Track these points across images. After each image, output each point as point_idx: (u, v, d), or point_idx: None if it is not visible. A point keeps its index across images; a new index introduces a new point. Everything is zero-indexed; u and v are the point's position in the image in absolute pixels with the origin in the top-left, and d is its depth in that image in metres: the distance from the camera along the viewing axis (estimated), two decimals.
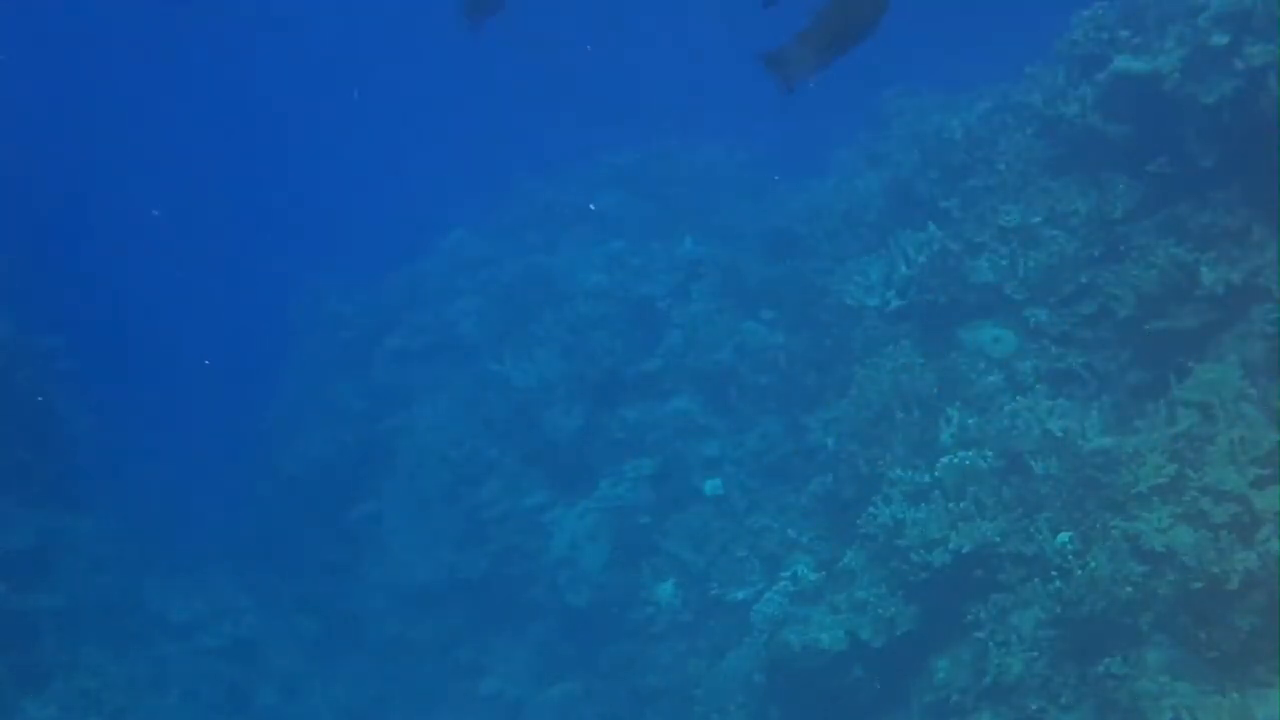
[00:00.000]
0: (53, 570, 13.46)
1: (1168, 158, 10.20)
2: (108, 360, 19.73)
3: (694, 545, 12.66)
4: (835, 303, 12.34)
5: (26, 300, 15.39)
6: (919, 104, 13.37)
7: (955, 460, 9.91)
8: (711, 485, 13.09)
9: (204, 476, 18.50)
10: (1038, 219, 10.94)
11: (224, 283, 26.87)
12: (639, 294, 15.08)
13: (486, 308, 16.81)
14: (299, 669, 14.78)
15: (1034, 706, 8.82)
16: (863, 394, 10.97)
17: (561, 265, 16.32)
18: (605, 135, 20.09)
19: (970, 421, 10.29)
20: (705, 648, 12.05)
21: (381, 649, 14.69)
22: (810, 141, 16.98)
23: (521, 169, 19.67)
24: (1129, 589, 8.67)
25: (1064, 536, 9.20)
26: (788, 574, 11.23)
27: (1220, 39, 9.64)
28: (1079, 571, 8.85)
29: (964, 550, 9.45)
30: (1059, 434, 9.79)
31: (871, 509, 10.03)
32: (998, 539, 9.39)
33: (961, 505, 9.64)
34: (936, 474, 9.91)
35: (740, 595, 11.85)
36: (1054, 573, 9.02)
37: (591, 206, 16.53)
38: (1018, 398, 10.26)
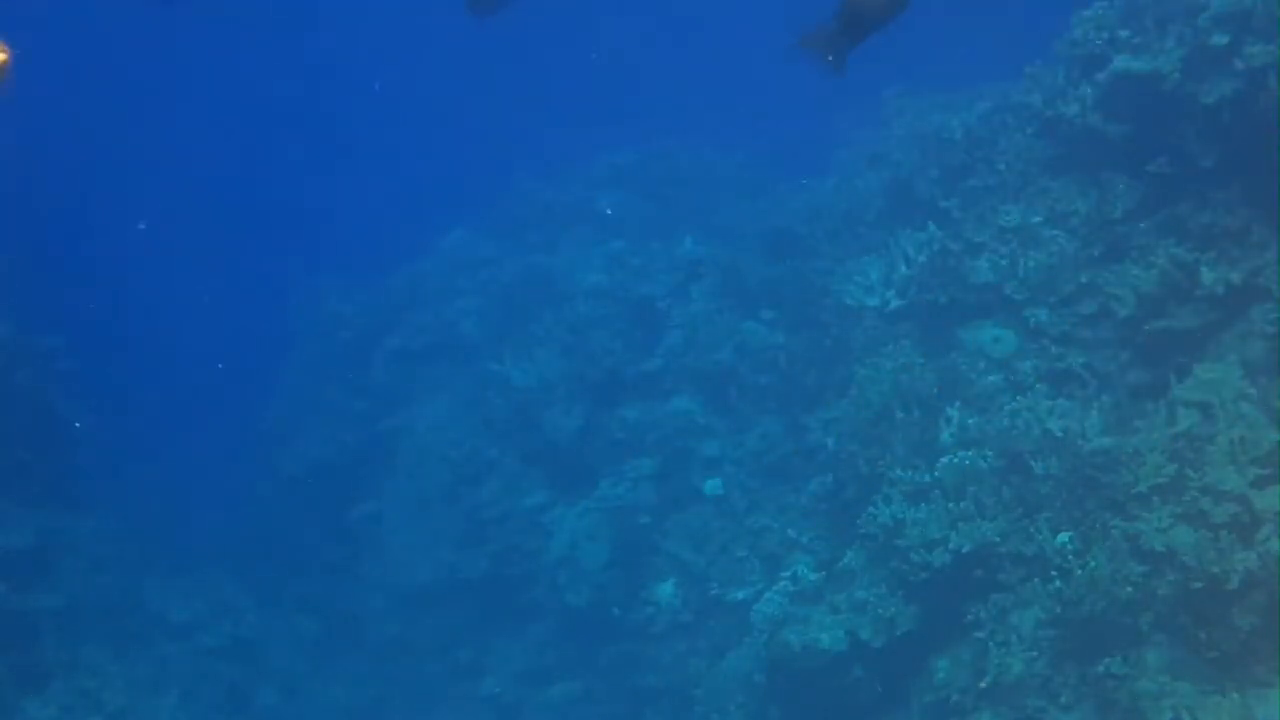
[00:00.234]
0: (53, 570, 13.45)
1: (1168, 158, 10.20)
2: (108, 360, 19.73)
3: (694, 545, 12.66)
4: (835, 303, 12.33)
5: (26, 300, 15.39)
6: (919, 104, 13.36)
7: (955, 460, 9.91)
8: (711, 485, 13.09)
9: (204, 476, 18.50)
10: (1038, 219, 10.95)
11: (224, 282, 26.87)
12: (639, 294, 15.08)
13: (486, 308, 16.82)
14: (299, 669, 14.78)
15: (1034, 706, 8.83)
16: (863, 394, 10.96)
17: (561, 265, 16.32)
18: (605, 135, 20.10)
19: (970, 421, 10.29)
20: (705, 648, 12.06)
21: (381, 649, 14.69)
22: (810, 141, 16.99)
23: (521, 169, 19.68)
24: (1129, 589, 8.67)
25: (1064, 536, 9.20)
26: (788, 574, 11.24)
27: (1220, 39, 9.64)
28: (1079, 571, 8.86)
29: (964, 550, 9.45)
30: (1059, 434, 9.79)
31: (871, 509, 10.03)
32: (998, 539, 9.39)
33: (961, 505, 9.64)
34: (936, 474, 9.91)
35: (740, 595, 11.86)
36: (1054, 573, 9.02)
37: (608, 211, 16.51)
38: (1018, 398, 10.26)
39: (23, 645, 12.58)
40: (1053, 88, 11.31)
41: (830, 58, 5.26)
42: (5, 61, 3.41)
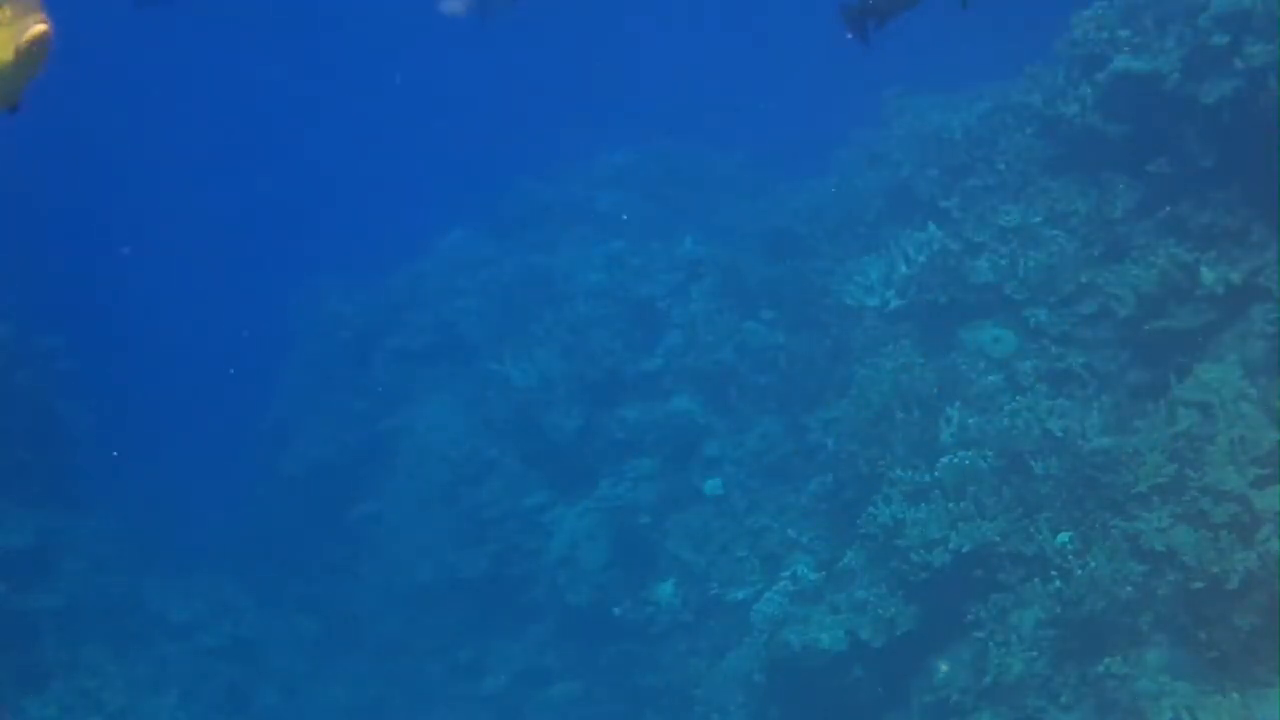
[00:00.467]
0: (53, 570, 13.45)
1: (1168, 158, 10.20)
2: (108, 360, 19.73)
3: (694, 545, 12.66)
4: (835, 303, 12.34)
5: (26, 300, 15.40)
6: (919, 104, 13.36)
7: (955, 460, 9.91)
8: (711, 485, 13.09)
9: (204, 476, 18.51)
10: (1038, 219, 10.95)
11: (224, 282, 26.87)
12: (639, 294, 15.08)
13: (486, 308, 16.81)
14: (299, 669, 14.78)
15: (1034, 706, 8.83)
16: (863, 394, 10.96)
17: (561, 265, 16.31)
18: (605, 135, 20.10)
19: (970, 421, 10.28)
20: (705, 647, 12.06)
21: (381, 649, 14.69)
22: (810, 141, 16.98)
23: (521, 169, 19.67)
24: (1129, 589, 8.68)
25: (1064, 536, 9.20)
26: (788, 574, 11.23)
27: (1220, 39, 9.64)
28: (1079, 571, 8.86)
29: (964, 550, 9.45)
30: (1059, 434, 9.79)
31: (871, 509, 10.03)
32: (998, 539, 9.39)
33: (961, 505, 9.64)
34: (936, 474, 9.91)
35: (740, 595, 11.85)
36: (1054, 573, 9.02)
37: (624, 217, 16.48)
38: (1018, 398, 10.26)
39: (23, 645, 12.58)
40: (1053, 88, 11.31)
41: (850, 35, 5.41)
42: (46, 33, 3.31)
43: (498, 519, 14.27)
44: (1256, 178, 9.58)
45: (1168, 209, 10.20)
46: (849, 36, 5.58)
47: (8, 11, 3.28)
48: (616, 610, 12.85)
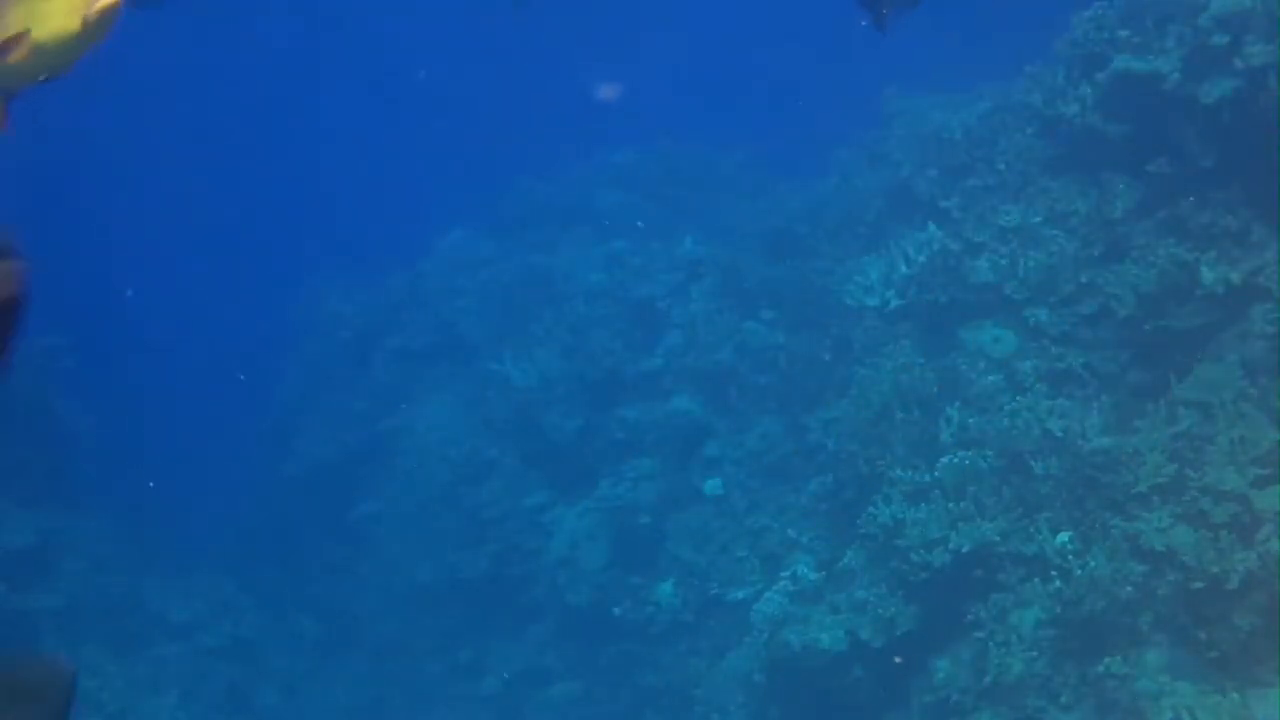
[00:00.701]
0: (53, 570, 13.45)
1: (1168, 158, 10.20)
2: (108, 360, 19.72)
3: (694, 545, 12.66)
4: (835, 303, 12.33)
5: (26, 300, 15.36)
6: (919, 104, 13.36)
7: (955, 460, 9.91)
8: (711, 485, 13.09)
9: (204, 476, 18.50)
10: (1038, 219, 10.94)
11: (225, 282, 26.87)
12: (639, 294, 15.07)
13: (486, 308, 16.80)
14: (299, 669, 14.78)
15: (1034, 706, 8.83)
16: (863, 394, 10.96)
17: (561, 265, 16.31)
18: (606, 135, 20.10)
19: (970, 421, 10.28)
20: (705, 647, 12.06)
21: (381, 649, 14.69)
22: (810, 141, 16.98)
23: (522, 168, 19.67)
24: (1129, 589, 8.68)
25: (1064, 536, 9.20)
26: (788, 574, 11.23)
27: (1220, 39, 9.64)
28: (1079, 571, 8.86)
29: (964, 550, 9.45)
30: (1059, 434, 9.79)
31: (871, 509, 10.02)
32: (998, 539, 9.39)
33: (961, 505, 9.64)
34: (936, 474, 9.91)
35: (740, 595, 11.85)
36: (1054, 573, 9.02)
37: (640, 224, 16.45)
38: (1018, 397, 10.26)
39: (23, 645, 12.58)
40: (1053, 88, 11.30)
41: (878, 16, 5.45)
42: (117, 4, 3.32)
43: (498, 519, 14.27)
44: (1256, 178, 9.58)
45: (1167, 209, 10.20)
46: (864, 24, 5.59)
47: None
48: (616, 610, 12.85)
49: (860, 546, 10.24)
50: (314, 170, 30.95)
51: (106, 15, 3.33)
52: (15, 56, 3.36)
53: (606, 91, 25.15)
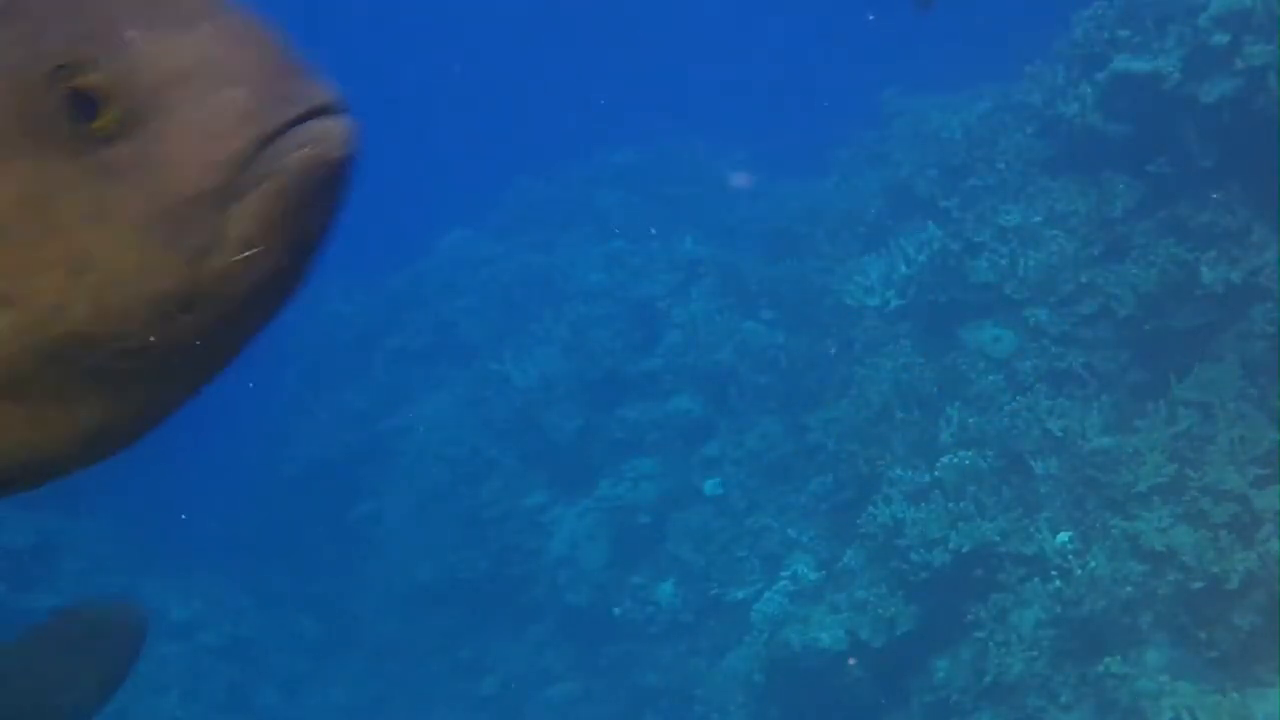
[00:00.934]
0: (53, 570, 13.46)
1: (1168, 158, 10.20)
2: None
3: (694, 545, 12.66)
4: (835, 303, 12.34)
5: None
6: (919, 104, 13.37)
7: (955, 460, 9.92)
8: (711, 485, 13.09)
9: (204, 476, 18.51)
10: (1038, 219, 10.95)
11: None
12: (639, 293, 15.08)
13: (486, 307, 16.82)
14: (299, 669, 14.78)
15: (1034, 706, 8.83)
16: (863, 394, 10.97)
17: (561, 264, 16.32)
18: (606, 135, 20.11)
19: (970, 421, 10.29)
20: (705, 647, 12.06)
21: (381, 649, 14.70)
22: (810, 141, 16.99)
23: (521, 168, 19.69)
24: (1129, 589, 8.68)
25: (1064, 536, 9.21)
26: (787, 574, 11.24)
27: (1220, 39, 9.64)
28: (1079, 571, 8.86)
29: (964, 550, 9.45)
30: (1059, 434, 9.80)
31: (871, 509, 10.03)
32: (998, 539, 9.39)
33: (961, 505, 9.64)
34: (936, 474, 9.92)
35: (740, 595, 11.86)
36: (1054, 572, 9.03)
37: (652, 231, 16.44)
38: (1018, 397, 10.26)
39: None
40: (1053, 88, 11.31)
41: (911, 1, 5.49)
42: None
43: (498, 519, 14.27)
44: (1256, 178, 9.59)
45: (1168, 209, 10.21)
46: (920, 6, 5.59)
47: None
48: (616, 610, 12.85)
49: (860, 546, 10.25)
50: None
51: None
52: None
53: (607, 92, 25.16)
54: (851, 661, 9.64)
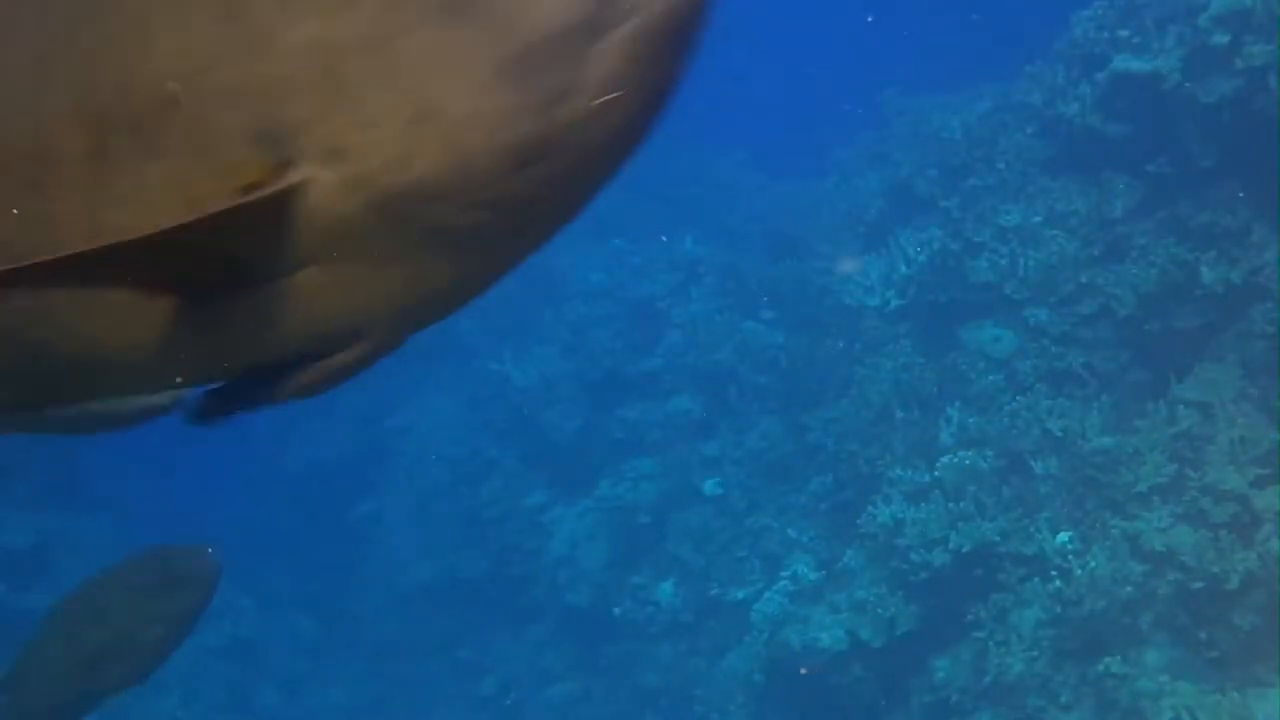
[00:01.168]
0: (53, 570, 13.45)
1: (1168, 158, 10.21)
2: None
3: (694, 545, 12.66)
4: (835, 303, 12.34)
5: None
6: (919, 104, 13.37)
7: (955, 460, 9.92)
8: (711, 485, 13.09)
9: (204, 476, 18.50)
10: (1038, 218, 10.95)
11: None
12: (639, 293, 15.09)
13: (486, 307, 16.77)
14: (299, 669, 14.78)
15: (1034, 706, 8.84)
16: (863, 394, 10.97)
17: (561, 264, 16.32)
18: None
19: (970, 421, 10.30)
20: (705, 647, 12.06)
21: (381, 649, 14.69)
22: (810, 141, 17.00)
23: None
24: (1129, 589, 8.68)
25: (1064, 536, 9.21)
26: (787, 574, 11.24)
27: (1220, 39, 9.64)
28: (1079, 571, 8.87)
29: (964, 550, 9.45)
30: (1059, 433, 9.80)
31: (871, 509, 10.04)
32: (998, 539, 9.39)
33: (961, 505, 9.65)
34: (936, 474, 9.92)
35: (740, 595, 11.86)
36: (1054, 572, 9.03)
37: (654, 232, 16.39)
38: (1018, 397, 10.27)
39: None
40: (1053, 88, 11.32)
41: None
42: None
43: (498, 519, 14.27)
44: (1256, 178, 9.59)
45: (1167, 209, 10.21)
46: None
47: None
48: (616, 610, 12.85)
49: (860, 546, 10.25)
50: None
51: None
52: None
53: None
54: (803, 671, 9.66)
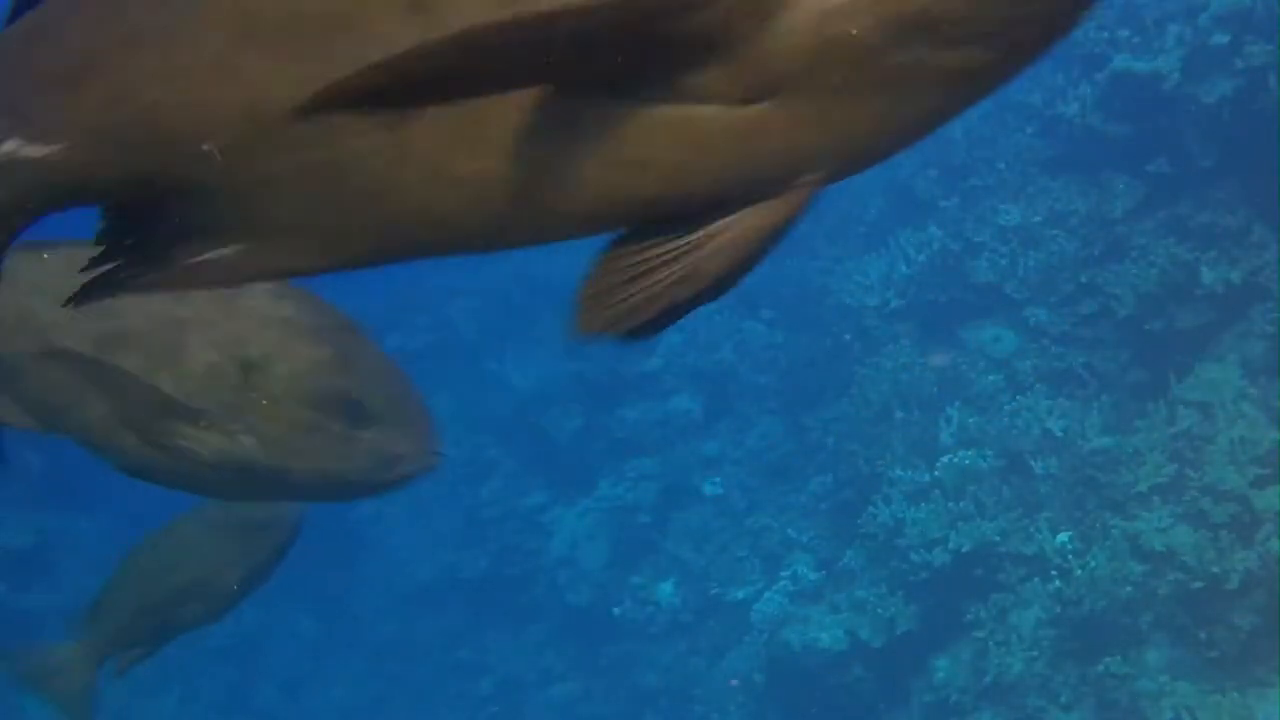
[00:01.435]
0: (53, 570, 13.45)
1: (1168, 158, 10.20)
2: None
3: (694, 545, 12.66)
4: (835, 302, 12.34)
5: None
6: None
7: (955, 460, 9.92)
8: (711, 485, 13.09)
9: None
10: (1038, 218, 10.95)
11: None
12: None
13: (486, 308, 16.81)
14: (299, 669, 14.78)
15: (1034, 706, 8.84)
16: (863, 394, 10.97)
17: (561, 264, 16.28)
18: None
19: (970, 421, 10.30)
20: (705, 647, 12.06)
21: (381, 648, 14.69)
22: None
23: None
24: (1129, 589, 8.68)
25: (1064, 536, 9.21)
26: (787, 573, 11.24)
27: (1220, 39, 9.64)
28: (1079, 571, 8.87)
29: (964, 550, 9.46)
30: (1059, 433, 9.80)
31: (871, 508, 10.04)
32: (998, 538, 9.40)
33: (961, 505, 9.65)
34: (936, 473, 9.92)
35: (740, 595, 11.86)
36: (1054, 572, 9.03)
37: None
38: (1018, 397, 10.27)
39: (23, 646, 12.56)
40: (1053, 88, 11.31)
41: None
42: None
43: (498, 519, 14.28)
44: (1256, 178, 9.59)
45: (1168, 209, 10.21)
46: None
47: None
48: (616, 610, 12.85)
49: (860, 546, 10.25)
50: None
51: None
52: None
53: None
54: (733, 682, 9.65)
